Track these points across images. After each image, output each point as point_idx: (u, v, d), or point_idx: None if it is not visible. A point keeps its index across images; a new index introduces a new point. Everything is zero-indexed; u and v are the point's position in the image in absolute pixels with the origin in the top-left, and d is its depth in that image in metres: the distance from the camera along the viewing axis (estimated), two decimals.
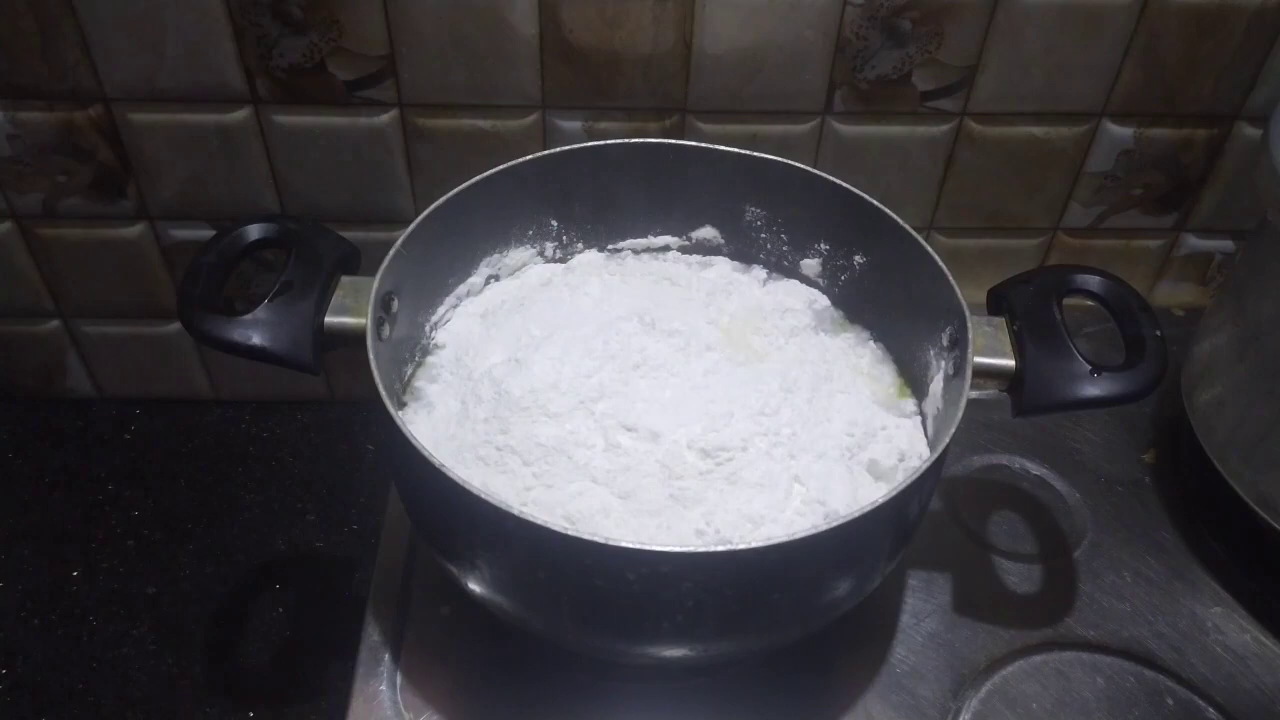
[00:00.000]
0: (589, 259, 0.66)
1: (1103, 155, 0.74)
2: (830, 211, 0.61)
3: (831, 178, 0.60)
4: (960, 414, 0.49)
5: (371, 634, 0.59)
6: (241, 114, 0.69)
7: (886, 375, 0.62)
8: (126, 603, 0.73)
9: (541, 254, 0.66)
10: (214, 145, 0.70)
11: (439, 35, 0.66)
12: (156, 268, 0.77)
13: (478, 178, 0.58)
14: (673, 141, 0.63)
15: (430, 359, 0.61)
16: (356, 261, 0.56)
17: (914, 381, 0.61)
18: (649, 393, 0.54)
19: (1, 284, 0.77)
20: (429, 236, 0.57)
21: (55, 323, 0.80)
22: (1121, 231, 0.80)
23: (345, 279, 0.55)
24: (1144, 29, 0.68)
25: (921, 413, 0.59)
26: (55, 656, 0.70)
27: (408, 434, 0.46)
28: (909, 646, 0.61)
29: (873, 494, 0.52)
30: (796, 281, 0.65)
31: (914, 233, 0.57)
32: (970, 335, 0.52)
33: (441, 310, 0.62)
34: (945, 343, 0.56)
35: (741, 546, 0.44)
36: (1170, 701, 0.59)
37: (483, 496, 0.44)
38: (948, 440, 0.49)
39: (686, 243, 0.67)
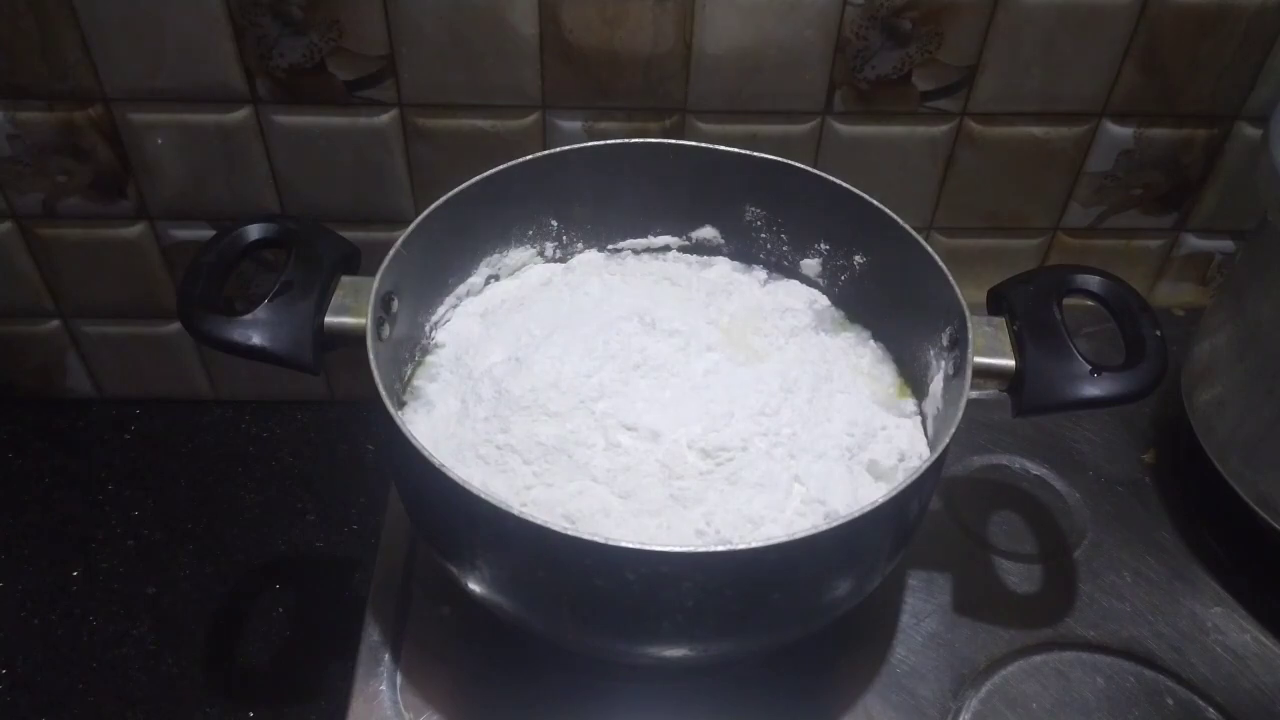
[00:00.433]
0: (589, 259, 0.66)
1: (1102, 155, 0.74)
2: (830, 211, 0.61)
3: (831, 178, 0.60)
4: (960, 414, 0.49)
5: (371, 634, 0.59)
6: (241, 114, 0.69)
7: (886, 375, 0.61)
8: (126, 603, 0.73)
9: (541, 254, 0.66)
10: (214, 145, 0.70)
11: (439, 35, 0.66)
12: (156, 268, 0.77)
13: (478, 178, 0.58)
14: (673, 141, 0.63)
15: (430, 358, 0.61)
16: (356, 261, 0.56)
17: (914, 381, 0.61)
18: (649, 392, 0.54)
19: (1, 284, 0.77)
20: (429, 236, 0.57)
21: (55, 323, 0.80)
22: (1121, 231, 0.80)
23: (345, 279, 0.55)
24: (1144, 29, 0.68)
25: (921, 413, 0.59)
26: (55, 656, 0.70)
27: (408, 434, 0.46)
28: (909, 646, 0.61)
29: (873, 494, 0.52)
30: (796, 281, 0.65)
31: (914, 233, 0.57)
32: (970, 335, 0.52)
33: (441, 310, 0.62)
34: (945, 343, 0.56)
35: (741, 546, 0.44)
36: (1170, 701, 0.59)
37: (482, 496, 0.44)
38: (948, 440, 0.49)
39: (686, 243, 0.67)
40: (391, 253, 0.54)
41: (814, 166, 0.61)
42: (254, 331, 0.51)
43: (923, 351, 0.59)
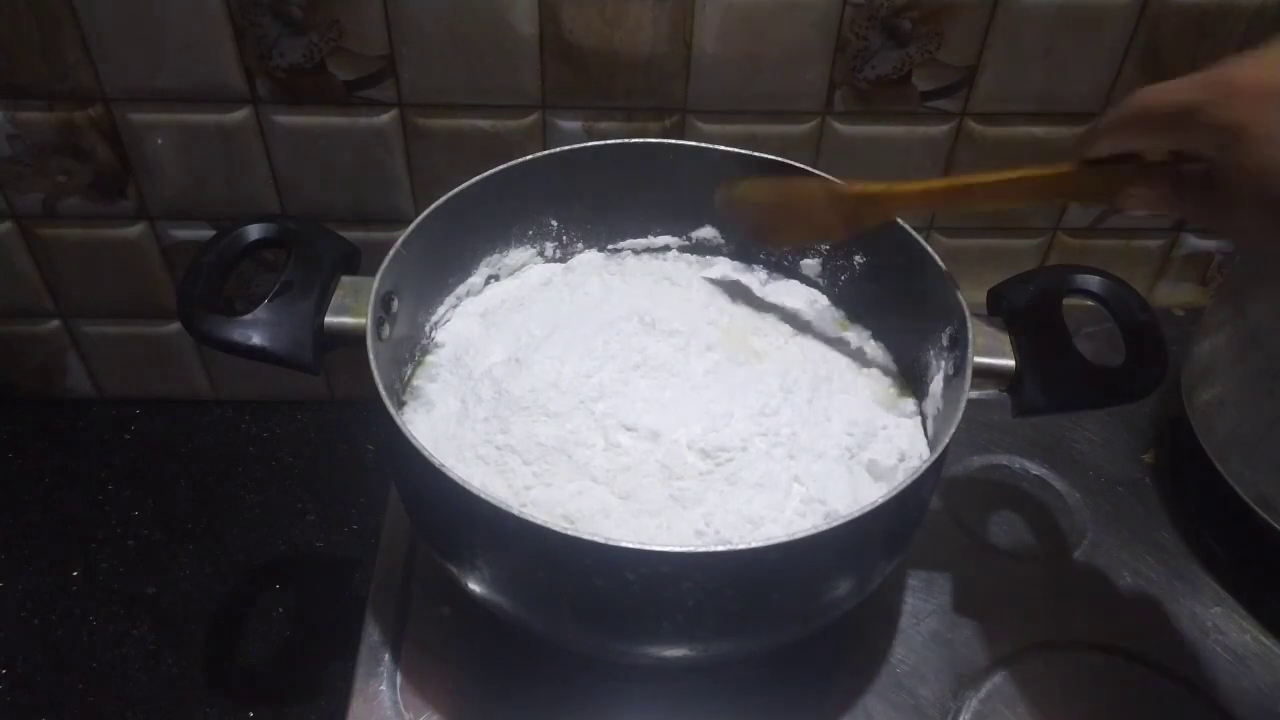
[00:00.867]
0: (589, 259, 0.66)
1: None
2: None
3: (831, 178, 0.60)
4: (960, 414, 0.49)
5: (371, 634, 0.59)
6: (241, 114, 0.69)
7: (886, 375, 0.61)
8: (126, 603, 0.73)
9: (541, 254, 0.66)
10: (214, 145, 0.70)
11: (439, 35, 0.66)
12: (156, 268, 0.77)
13: (477, 178, 0.58)
14: (673, 141, 0.63)
15: (430, 358, 0.61)
16: (356, 261, 0.56)
17: (914, 381, 0.61)
18: (649, 392, 0.54)
19: (1, 284, 0.77)
20: (429, 236, 0.57)
21: (55, 323, 0.80)
22: (1121, 231, 0.80)
23: (345, 279, 0.55)
24: (1144, 29, 0.68)
25: (921, 413, 0.59)
26: (55, 656, 0.70)
27: (408, 434, 0.46)
28: (909, 646, 0.61)
29: (873, 494, 0.52)
30: (796, 281, 0.65)
31: (914, 233, 0.57)
32: (970, 335, 0.52)
33: (441, 310, 0.62)
34: (945, 343, 0.56)
35: (741, 546, 0.44)
36: (1170, 702, 0.59)
37: (482, 496, 0.44)
38: (948, 440, 0.49)
39: (686, 243, 0.67)
40: (391, 253, 0.54)
41: (814, 166, 0.61)
42: (254, 331, 0.52)
43: (923, 351, 0.59)
